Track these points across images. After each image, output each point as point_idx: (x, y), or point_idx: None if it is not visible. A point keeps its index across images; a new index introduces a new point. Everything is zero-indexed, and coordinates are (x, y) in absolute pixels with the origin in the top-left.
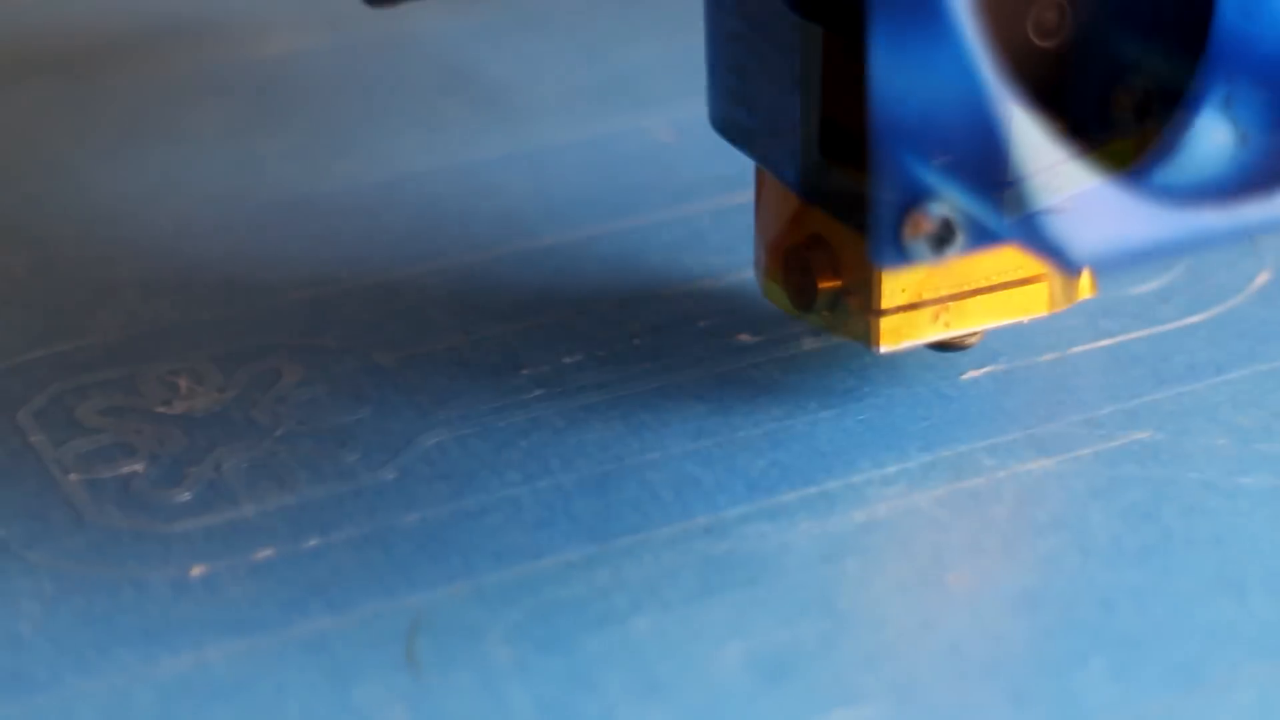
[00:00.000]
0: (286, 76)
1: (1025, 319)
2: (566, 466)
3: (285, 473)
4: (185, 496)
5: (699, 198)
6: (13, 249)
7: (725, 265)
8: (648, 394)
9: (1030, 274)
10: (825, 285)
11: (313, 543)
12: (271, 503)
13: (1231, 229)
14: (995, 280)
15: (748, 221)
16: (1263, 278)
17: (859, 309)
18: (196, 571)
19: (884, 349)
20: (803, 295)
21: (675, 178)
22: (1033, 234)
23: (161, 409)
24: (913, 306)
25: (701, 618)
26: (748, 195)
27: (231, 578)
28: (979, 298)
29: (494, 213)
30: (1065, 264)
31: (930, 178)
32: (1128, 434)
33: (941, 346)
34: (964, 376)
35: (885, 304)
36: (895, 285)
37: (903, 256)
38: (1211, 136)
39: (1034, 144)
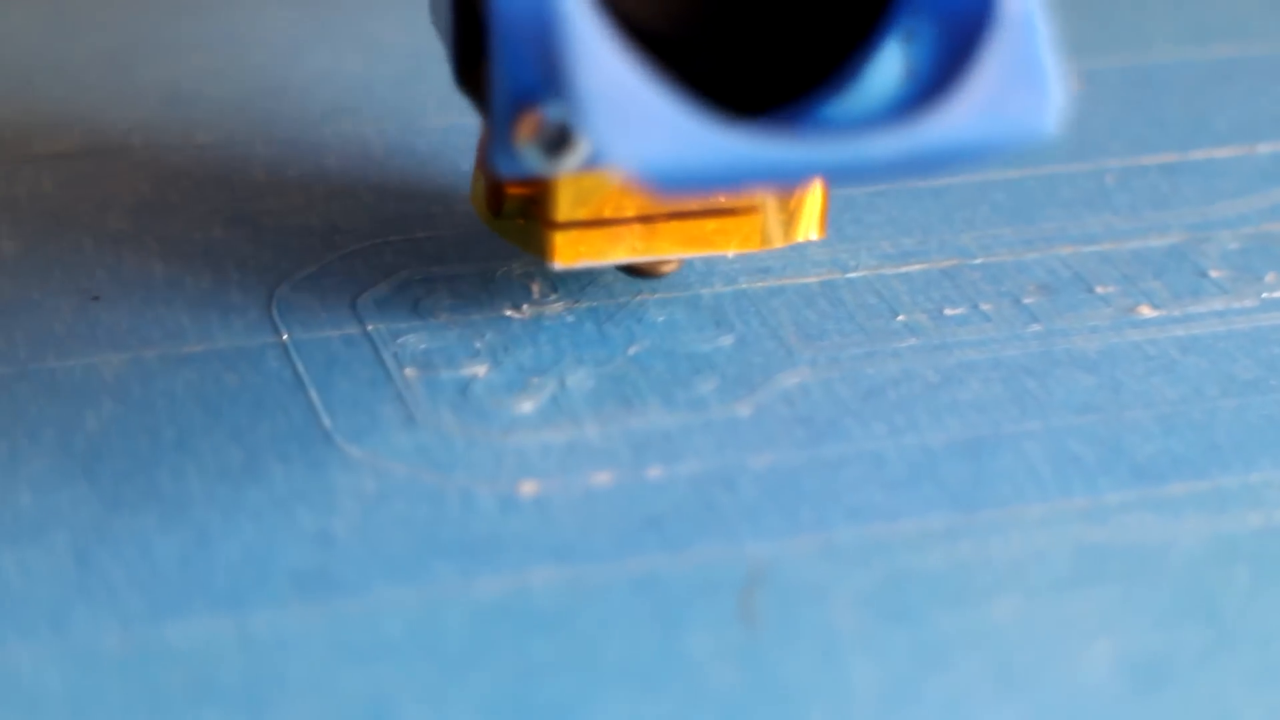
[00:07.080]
0: None
1: (730, 254)
2: (937, 425)
3: (634, 395)
4: (525, 408)
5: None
6: (373, 124)
7: (1133, 229)
8: (1032, 358)
9: (741, 204)
10: (513, 191)
11: (654, 472)
12: (615, 425)
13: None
14: (696, 206)
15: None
16: None
17: (541, 220)
18: (527, 489)
19: (559, 266)
20: (494, 199)
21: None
22: (603, 150)
23: (511, 312)
24: (595, 224)
25: (1070, 609)
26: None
27: (564, 500)
28: (675, 223)
29: None
30: (641, 179)
31: (539, 80)
32: None
33: (631, 271)
34: None
35: (561, 217)
36: (573, 198)
37: (513, 162)
38: (886, 72)
39: (599, 62)
